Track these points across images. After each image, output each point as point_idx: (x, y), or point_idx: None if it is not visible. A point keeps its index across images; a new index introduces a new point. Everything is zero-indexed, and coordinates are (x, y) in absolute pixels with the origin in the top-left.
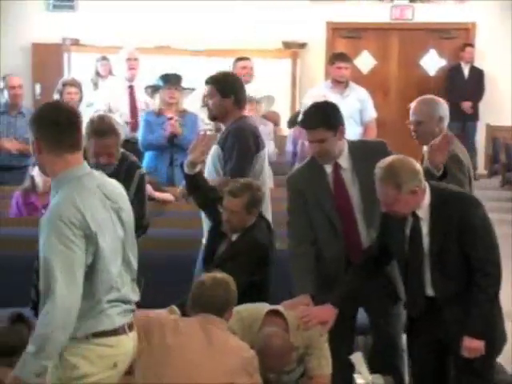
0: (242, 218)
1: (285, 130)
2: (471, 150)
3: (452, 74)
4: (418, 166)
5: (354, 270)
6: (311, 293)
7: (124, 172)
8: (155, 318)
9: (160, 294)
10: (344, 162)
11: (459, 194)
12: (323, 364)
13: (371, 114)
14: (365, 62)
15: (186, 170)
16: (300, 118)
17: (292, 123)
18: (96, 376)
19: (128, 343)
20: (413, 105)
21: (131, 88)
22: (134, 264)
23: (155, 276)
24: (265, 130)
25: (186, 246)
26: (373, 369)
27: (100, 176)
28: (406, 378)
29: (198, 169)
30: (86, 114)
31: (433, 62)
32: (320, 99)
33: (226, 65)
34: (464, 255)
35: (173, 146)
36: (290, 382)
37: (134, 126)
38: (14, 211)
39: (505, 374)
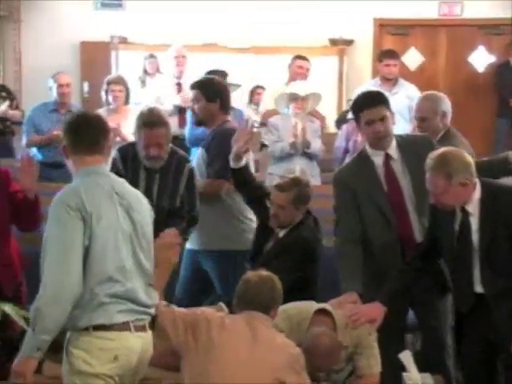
0: (289, 214)
1: (330, 127)
2: None
3: (501, 70)
4: (470, 159)
5: (402, 267)
6: (359, 291)
7: (174, 166)
8: (202, 315)
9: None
10: (393, 152)
11: (509, 189)
12: (372, 363)
13: None
14: (412, 58)
15: (231, 164)
16: (358, 100)
17: (340, 122)
18: (96, 368)
19: (132, 340)
20: (416, 101)
21: (179, 85)
22: (148, 268)
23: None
24: (312, 127)
25: None
26: (421, 367)
27: (119, 180)
28: (454, 376)
29: (243, 162)
30: (134, 112)
31: (481, 59)
32: None
33: (272, 62)
34: None
35: None
36: (339, 380)
37: (181, 123)
38: None
39: None
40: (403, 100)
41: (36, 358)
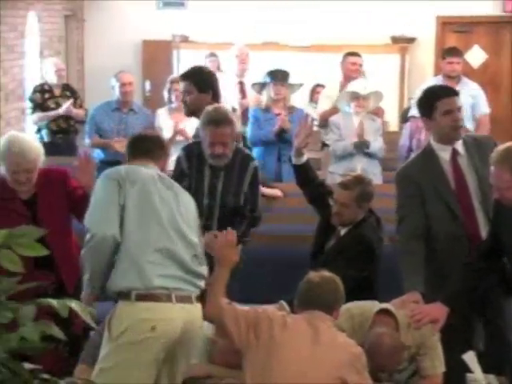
0: (352, 212)
1: (392, 126)
2: None
3: None
4: None
5: (466, 267)
6: (421, 291)
7: (238, 164)
8: (264, 314)
9: (268, 290)
10: (460, 148)
11: None
12: (436, 364)
13: (484, 109)
14: (475, 56)
15: (293, 160)
16: (434, 90)
17: (404, 118)
18: (134, 336)
19: (173, 311)
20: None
21: (241, 84)
22: (192, 239)
23: (264, 271)
24: (373, 125)
25: (295, 241)
26: (486, 368)
27: (164, 175)
28: None
29: (304, 158)
30: None
31: None
32: None
33: (333, 60)
34: None
35: (281, 141)
36: (401, 381)
37: (243, 122)
38: None
39: None
40: (466, 98)
41: (90, 293)
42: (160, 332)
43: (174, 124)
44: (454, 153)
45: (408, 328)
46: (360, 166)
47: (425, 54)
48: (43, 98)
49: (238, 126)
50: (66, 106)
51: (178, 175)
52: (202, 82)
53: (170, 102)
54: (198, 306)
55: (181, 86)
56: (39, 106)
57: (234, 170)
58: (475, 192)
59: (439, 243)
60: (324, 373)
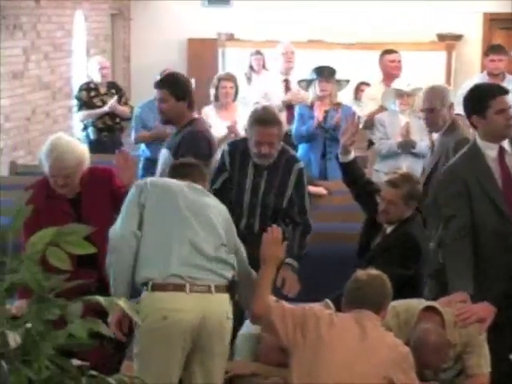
0: (399, 210)
1: None
2: None
3: None
4: None
5: None
6: (469, 291)
7: (283, 165)
8: (311, 312)
9: (314, 288)
10: (507, 146)
11: None
12: (482, 363)
13: None
14: None
15: (340, 158)
16: (487, 88)
17: None
18: (150, 325)
19: (187, 301)
20: (423, 93)
21: (287, 82)
22: (218, 230)
23: (309, 270)
24: (419, 124)
25: (340, 239)
26: None
27: (196, 185)
28: None
29: (351, 156)
30: (242, 109)
31: None
32: None
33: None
34: None
35: (325, 136)
36: (447, 380)
37: (289, 119)
38: None
39: None
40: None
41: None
42: (172, 322)
43: (230, 123)
44: (502, 151)
45: (454, 326)
46: (405, 164)
47: (472, 51)
48: (89, 96)
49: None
50: (111, 103)
51: (217, 169)
52: (178, 90)
53: (217, 99)
54: (220, 296)
55: (157, 94)
56: (85, 104)
57: (278, 170)
58: None
59: (486, 242)
60: (370, 372)
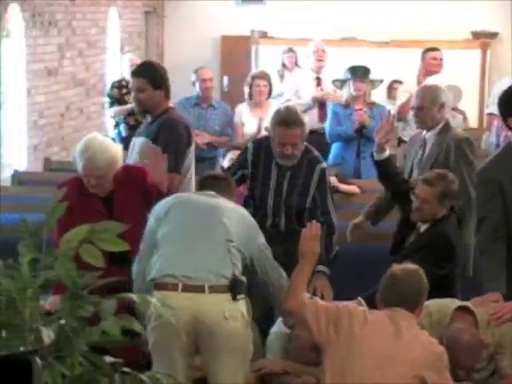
0: (433, 208)
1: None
2: None
3: None
4: None
5: None
6: (503, 291)
7: (305, 165)
8: (345, 309)
9: (348, 287)
10: None
11: None
12: None
13: None
14: None
15: (375, 156)
16: None
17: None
18: (150, 323)
19: (179, 300)
20: (415, 90)
21: (318, 79)
22: (230, 228)
23: (343, 268)
24: (453, 122)
25: (373, 237)
26: None
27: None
28: None
29: (386, 154)
30: (275, 107)
31: None
32: None
33: (411, 56)
34: None
35: (361, 137)
36: (480, 380)
37: (321, 117)
38: None
39: None
40: None
41: None
42: (165, 320)
43: (259, 120)
44: None
45: (487, 326)
46: None
47: (506, 49)
48: (120, 93)
49: (315, 122)
50: None
51: (238, 163)
52: (156, 78)
53: (251, 97)
54: (215, 296)
55: (133, 82)
56: (117, 101)
57: (300, 171)
58: None
59: None
60: (403, 371)
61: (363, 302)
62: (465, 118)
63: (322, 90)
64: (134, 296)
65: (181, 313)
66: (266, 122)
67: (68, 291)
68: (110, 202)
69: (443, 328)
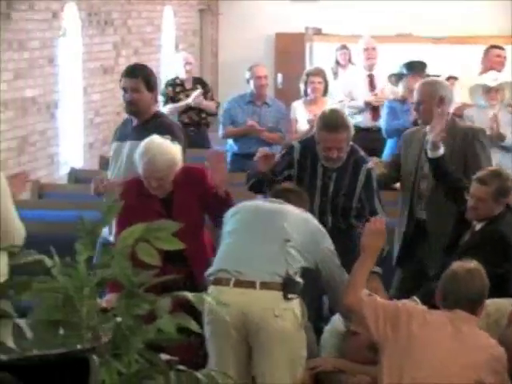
0: (488, 207)
1: None
2: None
3: None
4: None
5: None
6: None
7: (351, 167)
8: (403, 307)
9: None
10: None
11: None
12: None
13: None
14: None
15: (429, 154)
16: None
17: None
18: (205, 318)
19: (229, 295)
20: (415, 86)
21: (371, 77)
22: (287, 228)
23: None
24: (508, 117)
25: None
26: None
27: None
28: None
29: (441, 152)
30: (331, 104)
31: None
32: None
33: (467, 52)
34: None
35: None
36: None
37: (374, 116)
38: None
39: None
40: None
41: None
42: (215, 315)
43: (311, 117)
44: None
45: None
46: (494, 159)
47: None
48: (174, 91)
49: (368, 120)
50: (195, 95)
51: (287, 162)
52: (150, 80)
53: (306, 94)
54: (265, 292)
55: (127, 83)
56: (171, 100)
57: (346, 172)
58: None
59: None
60: (460, 372)
61: (419, 301)
62: None
63: (374, 93)
64: (189, 295)
65: (231, 308)
66: None
67: (124, 289)
68: (170, 203)
69: (501, 329)
